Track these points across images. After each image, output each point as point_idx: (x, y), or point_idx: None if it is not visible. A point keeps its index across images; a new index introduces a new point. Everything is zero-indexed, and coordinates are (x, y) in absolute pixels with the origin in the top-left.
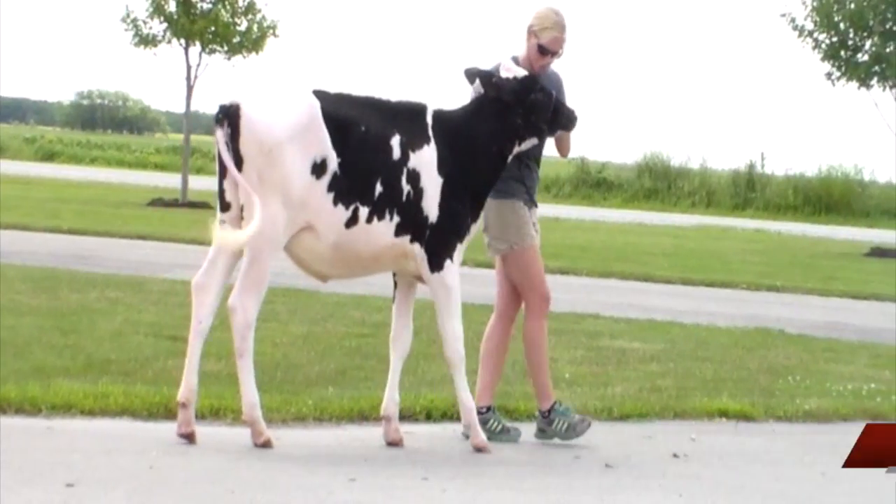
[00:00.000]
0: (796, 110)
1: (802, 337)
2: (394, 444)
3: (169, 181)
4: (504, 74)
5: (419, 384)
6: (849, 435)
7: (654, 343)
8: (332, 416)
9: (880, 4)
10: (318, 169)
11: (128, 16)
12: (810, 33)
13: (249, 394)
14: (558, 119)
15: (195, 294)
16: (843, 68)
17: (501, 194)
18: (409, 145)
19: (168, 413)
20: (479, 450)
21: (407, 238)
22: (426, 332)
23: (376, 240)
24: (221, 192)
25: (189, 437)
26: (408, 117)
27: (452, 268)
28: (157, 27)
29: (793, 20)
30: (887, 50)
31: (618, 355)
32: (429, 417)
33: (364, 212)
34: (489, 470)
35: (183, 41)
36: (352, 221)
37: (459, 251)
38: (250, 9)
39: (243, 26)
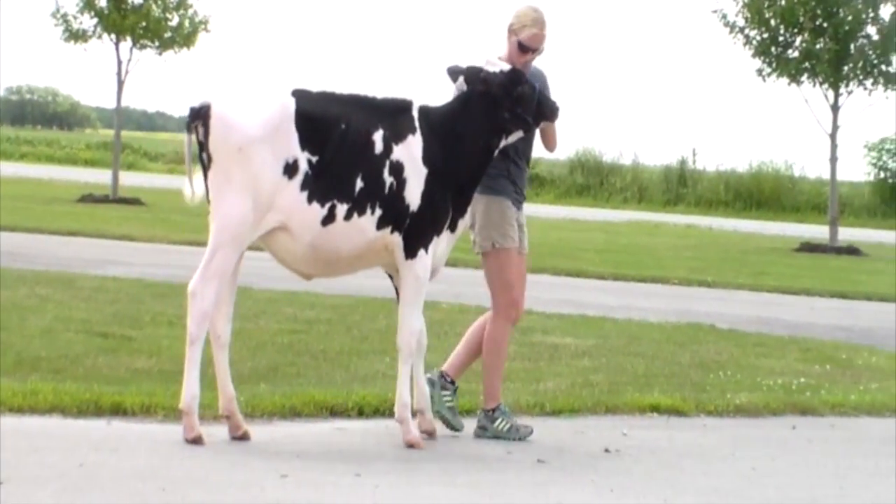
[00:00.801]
0: (728, 106)
1: (733, 332)
2: (428, 433)
3: (99, 177)
4: (490, 69)
5: (351, 380)
6: (779, 429)
7: (586, 338)
8: (264, 413)
9: (810, 1)
10: (290, 169)
11: (58, 11)
12: (741, 30)
13: (192, 384)
14: (542, 111)
15: None
16: (774, 65)
17: (490, 191)
18: (393, 138)
19: (98, 410)
20: (410, 446)
21: (388, 230)
22: (357, 328)
23: (357, 236)
24: (208, 189)
25: (243, 437)
26: (393, 113)
27: (425, 259)
28: (87, 22)
29: (724, 16)
30: (817, 46)
31: (550, 351)
32: (361, 413)
33: (342, 209)
34: (421, 466)
35: (113, 36)
36: (328, 219)
37: (435, 244)
38: (182, 4)
39: (175, 21)
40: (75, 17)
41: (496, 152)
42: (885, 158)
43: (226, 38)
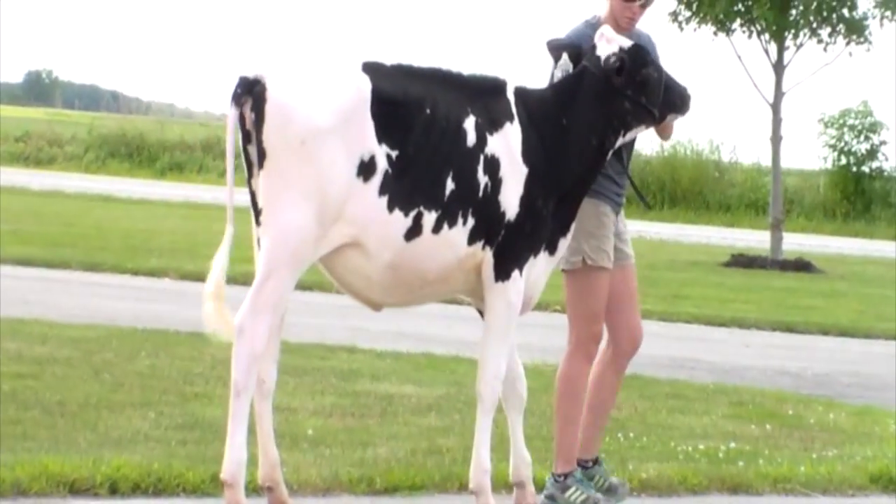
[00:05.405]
0: None
1: (638, 378)
2: None
3: None
4: (605, 47)
5: (101, 444)
6: None
7: (432, 386)
8: None
9: None
10: (366, 169)
11: None
12: None
13: (237, 449)
14: (671, 100)
15: None
16: (695, 7)
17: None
18: (487, 127)
19: None
20: None
21: (480, 244)
22: (109, 370)
23: (447, 252)
24: (252, 195)
25: None
26: (484, 93)
27: (519, 283)
28: None
29: None
30: None
31: (382, 403)
32: (114, 491)
33: (430, 218)
34: None
35: None
36: (414, 232)
37: (531, 265)
38: None
39: None
40: None
41: (611, 153)
42: (847, 138)
43: None
